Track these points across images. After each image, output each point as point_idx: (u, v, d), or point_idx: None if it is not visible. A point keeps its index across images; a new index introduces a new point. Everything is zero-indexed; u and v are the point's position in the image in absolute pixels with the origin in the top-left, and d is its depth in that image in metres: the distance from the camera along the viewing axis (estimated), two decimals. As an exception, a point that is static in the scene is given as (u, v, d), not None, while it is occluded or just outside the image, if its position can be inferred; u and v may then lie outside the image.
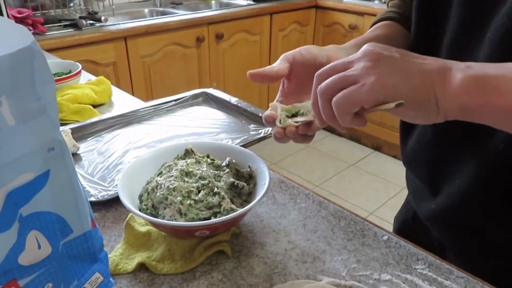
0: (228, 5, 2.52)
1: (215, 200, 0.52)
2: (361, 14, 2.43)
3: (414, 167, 0.66)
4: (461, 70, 0.40)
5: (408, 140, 0.65)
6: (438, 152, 0.59)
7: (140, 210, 0.54)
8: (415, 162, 0.65)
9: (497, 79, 0.38)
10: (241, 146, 0.77)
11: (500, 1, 0.48)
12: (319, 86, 0.43)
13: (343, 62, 0.43)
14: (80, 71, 1.04)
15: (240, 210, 0.51)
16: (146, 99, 2.01)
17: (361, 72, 0.40)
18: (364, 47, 0.42)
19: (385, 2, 0.75)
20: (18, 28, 0.34)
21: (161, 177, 0.57)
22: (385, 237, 0.57)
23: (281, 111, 0.54)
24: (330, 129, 2.96)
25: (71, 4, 1.88)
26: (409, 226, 0.74)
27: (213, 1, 2.61)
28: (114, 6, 2.03)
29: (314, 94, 0.45)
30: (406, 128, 0.66)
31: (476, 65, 0.40)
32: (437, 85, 0.39)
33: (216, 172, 0.58)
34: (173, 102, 0.98)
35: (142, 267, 0.52)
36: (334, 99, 0.41)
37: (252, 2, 2.49)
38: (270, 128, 0.84)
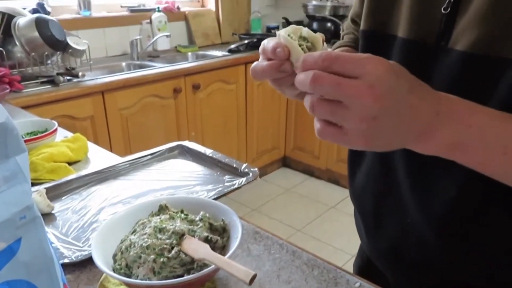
0: (204, 57, 2.61)
1: (188, 256, 0.53)
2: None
3: (361, 201, 0.69)
4: (442, 137, 0.41)
5: (356, 174, 0.68)
6: (386, 187, 0.62)
7: (114, 270, 0.54)
8: (363, 196, 0.68)
9: (476, 148, 0.41)
10: (216, 198, 0.78)
11: (442, 50, 0.51)
12: (311, 101, 0.40)
13: (353, 63, 0.38)
14: (56, 129, 1.05)
15: (213, 266, 0.52)
16: (124, 151, 2.03)
17: (354, 125, 0.38)
18: (380, 68, 0.38)
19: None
20: (-8, 105, 0.36)
21: (134, 235, 0.57)
22: (357, 284, 0.58)
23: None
24: (308, 173, 3.00)
25: (49, 62, 1.92)
26: (365, 270, 0.76)
27: (189, 53, 2.70)
28: (91, 62, 2.07)
29: (309, 78, 0.39)
30: (354, 163, 0.69)
31: (463, 131, 0.41)
32: (413, 144, 0.42)
33: (190, 227, 0.59)
34: (149, 156, 0.99)
35: (116, 329, 0.51)
36: (318, 126, 0.41)
37: (227, 53, 2.59)
38: (244, 179, 0.86)
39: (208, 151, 0.99)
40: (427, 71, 0.53)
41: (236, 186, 0.84)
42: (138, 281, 0.51)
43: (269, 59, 0.46)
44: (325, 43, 0.49)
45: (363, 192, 0.68)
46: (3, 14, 1.87)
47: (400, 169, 0.58)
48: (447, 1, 0.51)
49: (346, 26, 0.79)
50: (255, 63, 0.47)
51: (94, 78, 1.95)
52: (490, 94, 0.47)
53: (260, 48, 0.47)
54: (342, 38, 0.78)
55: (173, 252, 0.54)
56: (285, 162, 3.14)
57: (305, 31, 0.47)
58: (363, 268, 0.78)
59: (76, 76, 1.91)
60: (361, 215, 0.70)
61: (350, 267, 0.83)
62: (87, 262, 0.63)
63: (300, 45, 0.45)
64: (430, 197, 0.55)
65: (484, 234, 0.54)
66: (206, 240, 0.57)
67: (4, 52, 1.82)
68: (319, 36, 0.47)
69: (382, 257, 0.67)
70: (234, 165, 0.92)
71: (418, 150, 0.43)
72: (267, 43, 0.46)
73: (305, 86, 0.39)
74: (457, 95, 0.43)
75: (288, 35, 0.46)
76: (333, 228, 2.41)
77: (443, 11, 0.51)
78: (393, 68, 0.39)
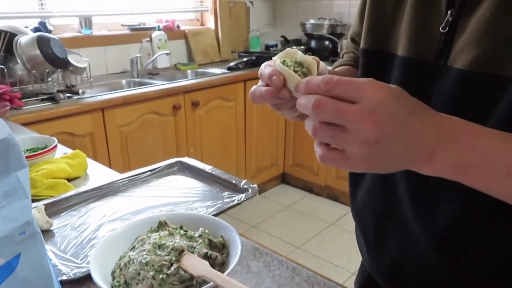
0: (203, 74, 2.64)
1: (187, 273, 0.53)
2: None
3: (362, 218, 0.69)
4: (445, 159, 0.41)
5: (357, 191, 0.68)
6: (387, 204, 0.62)
7: (112, 287, 0.53)
8: (364, 213, 0.68)
9: (478, 169, 0.41)
10: (215, 214, 0.78)
11: (441, 68, 0.52)
12: (313, 126, 0.40)
13: (353, 88, 0.38)
14: (55, 146, 1.05)
15: (212, 282, 0.51)
16: (123, 168, 2.03)
17: (356, 149, 0.39)
18: (380, 93, 0.38)
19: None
20: (-5, 121, 0.36)
21: (134, 251, 0.57)
22: (357, 301, 0.57)
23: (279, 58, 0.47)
24: (308, 189, 3.00)
25: (49, 79, 1.93)
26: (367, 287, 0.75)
27: (189, 71, 2.72)
28: (92, 79, 2.09)
29: (311, 103, 0.39)
30: (355, 181, 0.69)
31: (466, 152, 0.41)
32: (416, 166, 0.42)
33: (189, 243, 0.59)
34: (149, 173, 0.99)
35: None
36: (319, 150, 0.41)
37: (226, 71, 2.61)
38: (244, 195, 0.86)
39: (208, 167, 0.99)
40: (427, 89, 0.54)
41: (235, 202, 0.84)
42: (136, 298, 0.50)
43: (267, 84, 0.47)
44: (321, 62, 0.49)
45: (364, 208, 0.68)
46: (5, 32, 1.90)
47: (401, 186, 0.59)
48: (445, 21, 0.52)
49: (346, 44, 0.80)
50: (254, 87, 0.48)
51: (94, 95, 1.97)
52: (489, 112, 0.47)
53: (259, 72, 0.48)
54: (342, 57, 0.79)
55: (172, 268, 0.53)
56: (284, 179, 3.13)
57: (300, 56, 0.47)
58: (364, 285, 0.77)
59: (76, 93, 1.92)
60: (362, 231, 0.70)
61: (350, 285, 0.82)
62: (85, 280, 0.62)
63: (295, 71, 0.46)
64: (432, 213, 0.55)
65: (485, 250, 0.54)
66: (206, 256, 0.57)
67: (6, 70, 1.83)
68: (314, 61, 0.47)
69: (383, 274, 0.67)
70: (234, 181, 0.92)
71: (421, 171, 0.42)
72: (264, 69, 0.47)
73: (307, 110, 0.40)
74: (456, 112, 0.43)
75: (284, 61, 0.46)
76: (333, 246, 2.39)
77: (441, 30, 0.52)
78: (393, 92, 0.39)
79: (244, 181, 0.91)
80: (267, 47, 3.24)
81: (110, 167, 1.12)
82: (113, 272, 0.57)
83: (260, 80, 0.49)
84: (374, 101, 0.38)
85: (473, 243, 0.54)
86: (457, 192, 0.51)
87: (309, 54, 0.49)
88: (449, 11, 0.52)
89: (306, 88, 0.40)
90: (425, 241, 0.57)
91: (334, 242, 2.43)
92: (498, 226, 0.52)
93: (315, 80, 0.40)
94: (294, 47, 3.09)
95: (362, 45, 0.64)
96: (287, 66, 0.46)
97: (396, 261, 0.63)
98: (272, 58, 0.48)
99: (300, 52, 0.48)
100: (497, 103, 0.47)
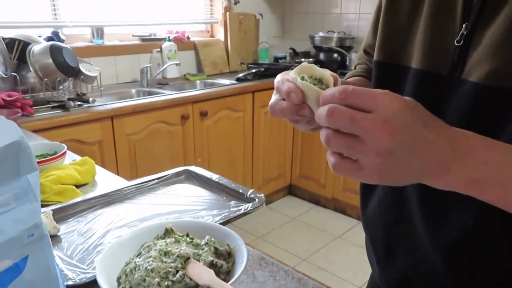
0: (212, 85, 2.65)
1: (192, 281, 0.52)
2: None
3: (372, 230, 0.68)
4: (459, 174, 0.40)
5: (368, 203, 0.68)
6: (398, 217, 0.62)
7: (117, 293, 0.53)
8: (374, 225, 0.67)
9: (492, 183, 0.40)
10: (222, 223, 0.78)
11: (455, 81, 0.52)
12: (327, 134, 0.40)
13: (368, 97, 0.38)
14: (65, 152, 1.07)
15: (218, 290, 0.51)
16: (131, 176, 2.03)
17: (369, 159, 0.38)
18: (395, 103, 0.38)
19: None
20: (7, 123, 0.37)
21: (139, 258, 0.57)
22: (364, 313, 0.57)
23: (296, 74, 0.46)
24: (314, 201, 2.98)
25: (61, 87, 1.96)
26: None
27: (198, 81, 2.75)
28: (102, 88, 2.12)
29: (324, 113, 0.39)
30: (367, 191, 0.69)
31: (480, 167, 0.40)
32: (429, 179, 0.41)
33: (195, 251, 0.59)
34: (156, 181, 1.00)
35: None
36: (333, 159, 0.41)
37: (235, 82, 2.63)
38: (251, 204, 0.86)
39: (215, 176, 0.99)
40: (441, 102, 0.53)
41: (242, 211, 0.84)
42: (141, 304, 0.50)
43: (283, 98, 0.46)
44: (339, 78, 0.48)
45: (374, 221, 0.67)
46: (19, 41, 1.94)
47: (412, 199, 0.58)
48: (460, 34, 0.52)
49: (358, 56, 0.81)
50: (274, 100, 0.47)
51: (104, 104, 1.99)
52: (504, 126, 0.47)
53: (275, 85, 0.47)
54: (355, 68, 0.79)
55: (177, 275, 0.53)
56: (291, 190, 3.12)
57: (319, 72, 0.47)
58: None
59: (87, 101, 1.94)
60: (372, 244, 0.69)
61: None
62: (91, 285, 0.62)
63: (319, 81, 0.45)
64: (443, 227, 0.55)
65: (495, 263, 0.53)
66: (211, 264, 0.57)
67: (18, 77, 1.86)
68: (332, 78, 0.46)
69: (393, 286, 0.66)
70: (240, 191, 0.92)
71: (434, 185, 0.42)
72: (281, 84, 0.46)
73: (322, 119, 0.39)
74: (470, 126, 0.43)
75: (303, 77, 0.45)
76: (339, 259, 2.37)
77: (456, 44, 0.52)
78: (408, 104, 0.39)
79: (251, 191, 0.91)
80: (276, 59, 3.26)
81: (118, 175, 1.13)
82: (118, 278, 0.57)
83: (275, 92, 0.48)
84: (389, 111, 0.37)
85: (483, 256, 0.53)
86: (470, 206, 0.51)
87: (319, 66, 0.48)
88: (464, 25, 0.52)
89: (322, 98, 0.40)
90: (435, 254, 0.56)
91: (340, 255, 2.40)
92: (510, 239, 0.51)
93: (330, 90, 0.40)
94: (303, 59, 3.11)
95: (375, 57, 0.64)
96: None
97: (406, 274, 0.62)
98: (289, 72, 0.47)
99: (318, 68, 0.47)
100: (511, 117, 0.46)
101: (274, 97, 0.48)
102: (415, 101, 0.40)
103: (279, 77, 0.47)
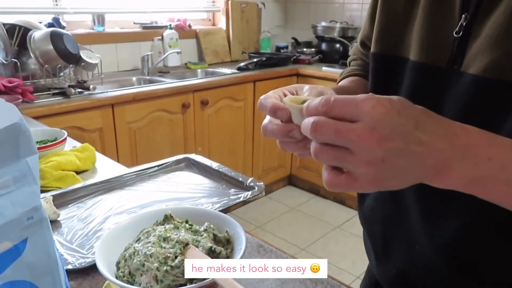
0: (213, 74, 2.64)
1: (191, 265, 0.53)
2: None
3: (369, 225, 0.68)
4: (461, 172, 0.38)
5: (365, 197, 0.68)
6: (395, 212, 0.62)
7: (116, 277, 0.54)
8: (371, 219, 0.67)
9: (495, 181, 0.38)
10: (221, 210, 0.78)
11: (454, 74, 0.51)
12: (315, 148, 0.38)
13: (351, 106, 0.37)
14: (65, 139, 1.07)
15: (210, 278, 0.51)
16: (131, 163, 2.04)
17: (362, 170, 0.37)
18: (379, 109, 0.36)
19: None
20: (7, 106, 0.37)
21: (139, 243, 0.57)
22: (361, 301, 0.57)
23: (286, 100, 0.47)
24: (314, 192, 2.99)
25: (61, 74, 1.95)
26: None
27: (199, 70, 2.74)
28: (103, 75, 2.11)
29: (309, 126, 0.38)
30: None
31: (483, 164, 0.38)
32: (429, 180, 0.40)
33: (194, 237, 0.59)
34: (156, 168, 1.00)
35: (116, 337, 0.51)
36: (326, 176, 0.40)
37: (236, 71, 2.62)
38: (250, 192, 0.86)
39: (215, 165, 1.00)
40: (440, 95, 0.53)
41: (241, 199, 0.84)
42: (140, 288, 0.51)
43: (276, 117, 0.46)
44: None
45: (371, 215, 0.67)
46: (20, 27, 1.93)
47: (409, 194, 0.58)
48: (459, 25, 0.51)
49: (353, 51, 0.78)
50: (266, 121, 0.47)
51: (105, 91, 1.99)
52: (504, 119, 0.46)
53: (258, 103, 0.48)
54: (349, 64, 0.78)
55: (176, 261, 0.54)
56: (291, 180, 3.13)
57: (304, 97, 0.47)
58: None
59: (87, 89, 1.94)
60: (370, 238, 0.69)
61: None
62: (91, 270, 0.62)
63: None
64: (440, 224, 0.54)
65: (492, 261, 0.53)
66: (210, 250, 0.57)
67: (19, 64, 1.86)
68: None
69: (390, 281, 0.66)
70: (240, 179, 0.92)
71: (435, 185, 0.40)
72: (265, 102, 0.46)
73: (307, 133, 0.38)
74: (469, 119, 0.41)
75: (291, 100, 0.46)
76: (338, 249, 2.38)
77: (455, 35, 0.51)
78: (394, 106, 0.36)
79: (250, 179, 0.91)
80: (278, 48, 3.24)
81: (118, 162, 1.13)
82: (118, 263, 0.57)
83: (268, 116, 0.48)
84: (374, 117, 0.35)
85: (481, 254, 0.53)
86: (468, 203, 0.50)
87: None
88: (463, 16, 0.51)
89: (306, 111, 0.39)
90: (432, 251, 0.56)
91: (339, 245, 2.41)
92: (508, 237, 0.51)
93: (314, 103, 0.38)
94: (305, 49, 3.08)
95: (372, 49, 0.63)
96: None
97: (403, 269, 0.62)
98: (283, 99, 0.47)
99: (303, 97, 0.47)
100: (511, 109, 0.46)
101: (267, 119, 0.47)
102: (402, 99, 0.38)
103: (263, 97, 0.47)
